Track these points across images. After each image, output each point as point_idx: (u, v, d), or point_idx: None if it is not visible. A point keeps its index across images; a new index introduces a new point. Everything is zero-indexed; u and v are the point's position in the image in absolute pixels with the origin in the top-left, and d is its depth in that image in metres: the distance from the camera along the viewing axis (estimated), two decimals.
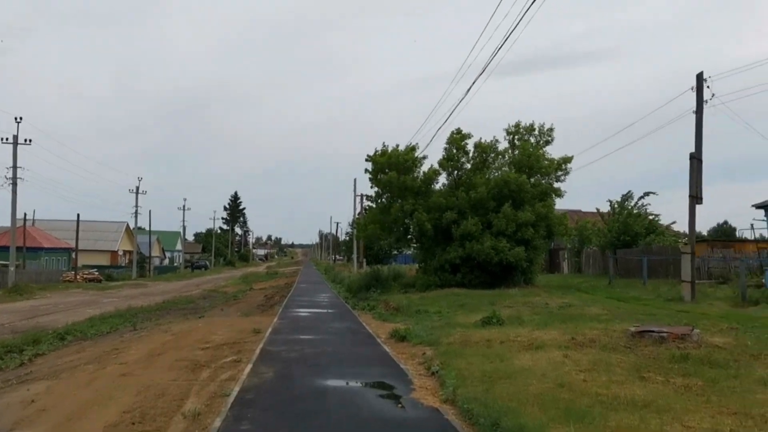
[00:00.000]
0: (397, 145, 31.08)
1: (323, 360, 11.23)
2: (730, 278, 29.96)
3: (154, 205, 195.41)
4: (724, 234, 62.38)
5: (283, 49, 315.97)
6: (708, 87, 21.70)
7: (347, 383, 9.32)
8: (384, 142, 31.52)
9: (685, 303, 20.26)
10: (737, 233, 51.23)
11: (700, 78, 21.77)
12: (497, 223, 27.38)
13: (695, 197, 21.21)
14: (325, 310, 22.76)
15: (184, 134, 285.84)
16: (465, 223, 27.84)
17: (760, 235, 32.77)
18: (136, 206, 66.15)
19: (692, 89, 21.88)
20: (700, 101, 21.64)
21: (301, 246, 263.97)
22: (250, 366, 10.42)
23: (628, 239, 35.93)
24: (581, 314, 16.36)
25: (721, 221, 75.27)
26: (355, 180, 61.64)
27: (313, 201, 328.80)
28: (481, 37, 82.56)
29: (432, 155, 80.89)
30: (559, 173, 29.27)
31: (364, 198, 55.57)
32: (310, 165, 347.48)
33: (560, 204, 31.89)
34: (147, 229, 73.02)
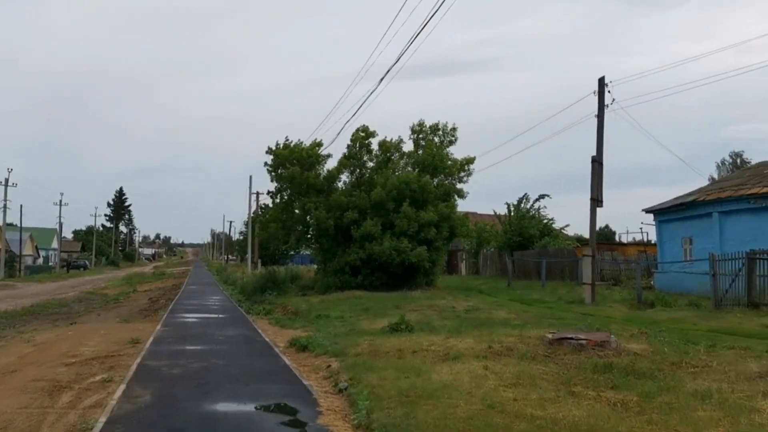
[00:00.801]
0: (300, 141, 29.67)
1: (213, 377, 9.69)
2: (621, 280, 30.98)
3: (28, 199, 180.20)
4: (605, 237, 65.65)
5: (173, 41, 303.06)
6: (609, 92, 21.98)
7: (242, 407, 7.89)
8: (287, 136, 29.97)
9: (586, 305, 20.31)
10: (617, 237, 53.72)
11: (601, 82, 22.00)
12: (399, 224, 26.62)
13: (596, 200, 21.37)
14: (216, 315, 20.91)
15: (65, 125, 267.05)
16: (365, 223, 26.88)
17: (640, 238, 34.21)
18: (5, 200, 59.97)
19: (594, 93, 22.08)
20: (601, 105, 21.87)
21: (192, 245, 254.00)
22: (122, 387, 8.73)
23: (523, 241, 36.46)
24: (490, 318, 15.78)
25: (602, 225, 79.66)
26: (250, 177, 59.52)
27: (205, 199, 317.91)
28: (382, 40, 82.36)
29: (337, 154, 79.92)
30: (462, 174, 28.98)
31: (261, 194, 53.52)
32: (202, 162, 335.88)
33: (459, 206, 31.75)
34: (18, 225, 66.59)
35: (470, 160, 28.96)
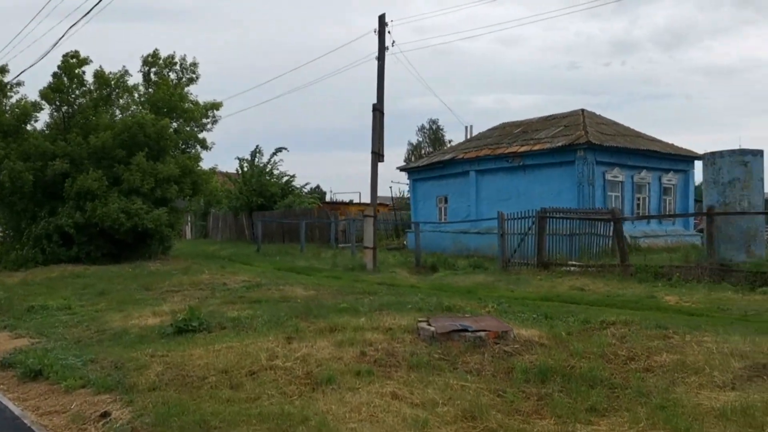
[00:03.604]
0: None
1: None
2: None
3: None
4: (320, 198, 65.58)
5: None
6: (389, 32, 19.65)
7: None
8: None
9: (369, 272, 17.98)
10: (329, 195, 52.89)
11: (382, 20, 19.52)
12: (129, 178, 21.00)
13: (377, 154, 19.02)
14: None
15: None
16: (82, 177, 20.66)
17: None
18: None
19: (375, 32, 19.53)
20: (382, 47, 19.42)
21: None
22: None
23: (264, 201, 33.10)
24: (287, 298, 12.30)
25: (314, 184, 79.66)
26: None
27: None
28: None
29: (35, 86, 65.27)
30: (206, 121, 24.22)
31: None
32: None
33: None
34: None
35: (216, 105, 24.34)
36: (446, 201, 26.69)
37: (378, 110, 19.06)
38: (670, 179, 24.00)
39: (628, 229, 19.55)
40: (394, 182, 40.17)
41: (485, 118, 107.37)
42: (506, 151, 23.30)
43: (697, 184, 27.76)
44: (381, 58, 19.36)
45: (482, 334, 7.57)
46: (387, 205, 48.62)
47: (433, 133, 59.70)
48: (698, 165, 25.08)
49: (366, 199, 31.79)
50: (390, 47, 19.49)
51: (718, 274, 12.96)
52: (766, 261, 13.45)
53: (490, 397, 5.86)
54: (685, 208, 24.35)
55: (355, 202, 42.27)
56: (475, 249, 23.73)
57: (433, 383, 6.12)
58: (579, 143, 20.56)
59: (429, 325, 8.06)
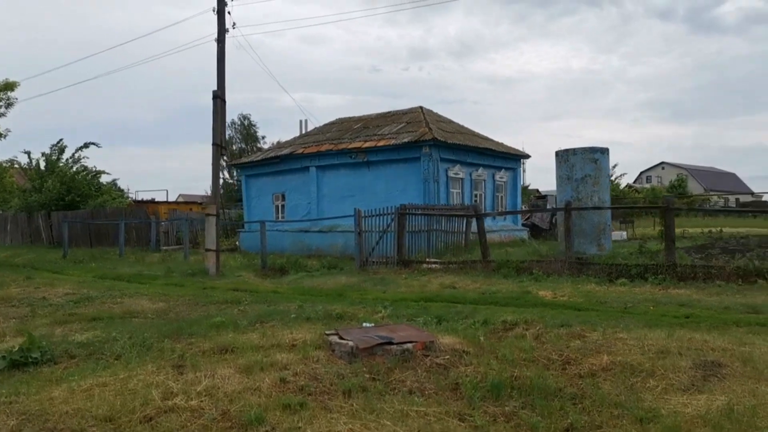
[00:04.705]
0: None
1: None
2: (198, 242, 27.30)
3: None
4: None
5: None
6: (230, 13, 17.91)
7: None
8: None
9: (213, 278, 16.18)
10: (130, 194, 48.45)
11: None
12: None
13: (219, 146, 17.18)
14: None
15: None
16: None
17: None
18: None
19: (214, 11, 17.65)
20: (222, 28, 17.61)
21: None
22: None
23: (73, 200, 29.02)
24: (132, 312, 10.33)
25: (109, 180, 72.53)
26: None
27: None
28: None
29: None
30: None
31: None
32: None
33: None
34: None
35: (10, 86, 20.52)
36: (284, 198, 25.32)
37: (219, 98, 17.23)
38: (502, 177, 25.08)
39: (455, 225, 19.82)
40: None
41: (287, 114, 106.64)
42: (349, 147, 22.61)
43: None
44: (221, 41, 17.54)
45: (409, 346, 6.65)
46: (200, 204, 45.66)
47: (245, 129, 57.29)
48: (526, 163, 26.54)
49: (173, 196, 29.19)
50: (230, 29, 17.76)
51: (576, 268, 13.38)
52: (614, 253, 14.21)
53: (455, 423, 4.99)
54: (515, 204, 25.65)
55: (158, 200, 38.88)
56: (318, 248, 22.74)
57: (384, 412, 5.10)
58: (425, 140, 20.51)
59: (342, 338, 6.95)
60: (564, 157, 14.55)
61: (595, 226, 14.20)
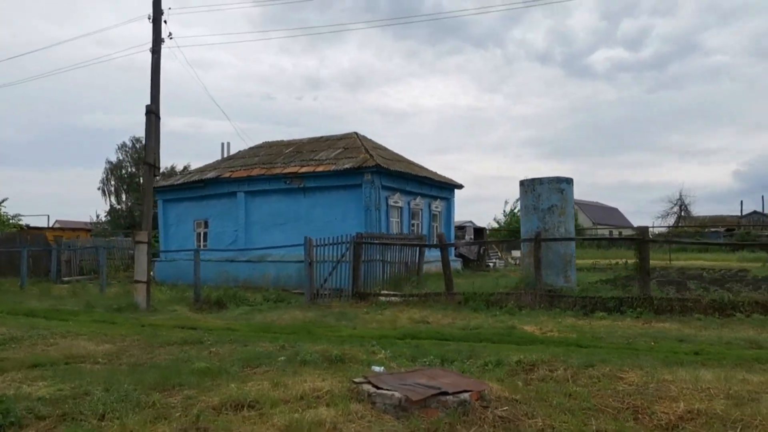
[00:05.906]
0: None
1: None
2: (97, 270, 24.73)
3: None
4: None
5: None
6: (165, 22, 16.39)
7: None
8: None
9: (145, 312, 14.37)
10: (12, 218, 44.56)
11: (158, 6, 16.18)
12: None
13: (152, 165, 15.48)
14: None
15: None
16: None
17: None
18: None
19: (149, 18, 16.07)
20: (157, 36, 16.05)
21: None
22: None
23: None
24: (77, 356, 8.65)
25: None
26: None
27: None
28: None
29: None
30: None
31: None
32: None
33: None
34: None
35: None
36: (207, 225, 23.52)
37: (153, 113, 15.58)
38: (437, 206, 24.69)
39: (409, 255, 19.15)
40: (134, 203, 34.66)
41: (175, 138, 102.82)
42: (284, 171, 21.35)
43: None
44: (156, 51, 15.96)
45: (466, 396, 5.70)
46: (89, 230, 42.16)
47: (136, 152, 53.87)
48: (457, 193, 26.39)
49: (57, 222, 26.47)
50: (166, 40, 16.24)
51: (548, 300, 12.94)
52: (582, 286, 13.94)
53: None
54: (448, 233, 25.27)
55: (40, 226, 35.53)
56: (246, 279, 21.16)
57: None
58: (368, 166, 19.69)
59: (378, 388, 5.88)
60: (530, 186, 14.23)
61: (561, 257, 13.90)
